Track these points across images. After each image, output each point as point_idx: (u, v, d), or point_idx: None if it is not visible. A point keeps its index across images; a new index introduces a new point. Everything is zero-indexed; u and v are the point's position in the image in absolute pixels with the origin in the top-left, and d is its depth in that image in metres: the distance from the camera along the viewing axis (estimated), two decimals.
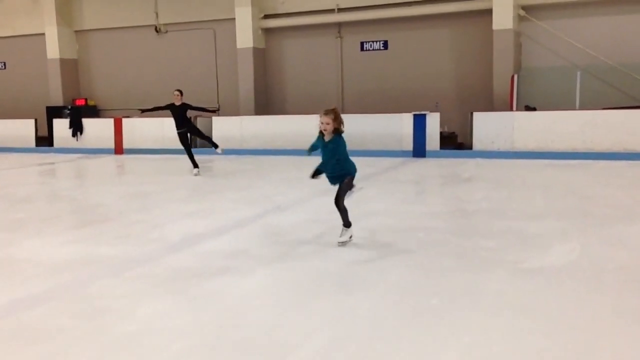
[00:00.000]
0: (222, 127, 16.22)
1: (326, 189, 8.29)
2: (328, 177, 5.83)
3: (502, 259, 5.12)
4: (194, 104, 11.51)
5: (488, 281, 4.53)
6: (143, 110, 11.58)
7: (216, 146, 11.60)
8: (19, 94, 20.57)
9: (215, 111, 12.82)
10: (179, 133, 11.40)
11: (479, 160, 13.21)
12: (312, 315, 3.84)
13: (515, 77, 14.42)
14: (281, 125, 15.81)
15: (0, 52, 20.99)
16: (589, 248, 5.44)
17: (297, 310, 3.96)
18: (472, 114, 14.15)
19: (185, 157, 11.58)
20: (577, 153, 12.96)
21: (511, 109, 14.26)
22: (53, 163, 15.11)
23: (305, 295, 4.29)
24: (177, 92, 11.29)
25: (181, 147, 11.54)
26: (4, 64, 21.12)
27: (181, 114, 11.31)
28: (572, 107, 13.46)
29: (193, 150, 11.68)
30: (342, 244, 5.64)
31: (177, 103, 11.26)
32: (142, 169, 13.99)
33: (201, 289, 4.46)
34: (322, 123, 5.63)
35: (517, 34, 15.12)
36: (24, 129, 18.33)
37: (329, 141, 5.64)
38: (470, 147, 14.20)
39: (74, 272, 4.99)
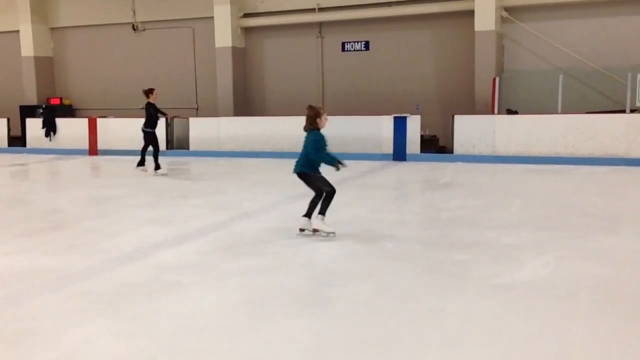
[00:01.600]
0: (199, 128, 15.84)
1: (296, 195, 8.04)
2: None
3: (472, 274, 4.81)
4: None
5: (454, 300, 4.20)
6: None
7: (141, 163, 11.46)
8: None
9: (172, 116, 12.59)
10: (153, 132, 11.19)
11: (460, 165, 12.94)
12: (255, 341, 3.49)
13: (497, 79, 14.17)
14: (259, 126, 15.46)
15: None
16: (564, 262, 5.14)
17: (239, 335, 3.60)
18: (453, 117, 13.87)
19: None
20: (559, 158, 12.73)
21: (493, 112, 14.01)
22: (23, 164, 14.64)
23: (253, 316, 3.93)
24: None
25: (139, 148, 11.37)
26: None
27: (156, 114, 11.23)
28: (554, 111, 13.22)
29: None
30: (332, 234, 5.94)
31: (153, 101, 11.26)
32: (113, 170, 13.59)
33: (142, 308, 4.09)
34: (327, 119, 6.13)
35: (500, 36, 14.87)
36: None
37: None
38: (452, 151, 13.92)
39: (9, 287, 4.60)
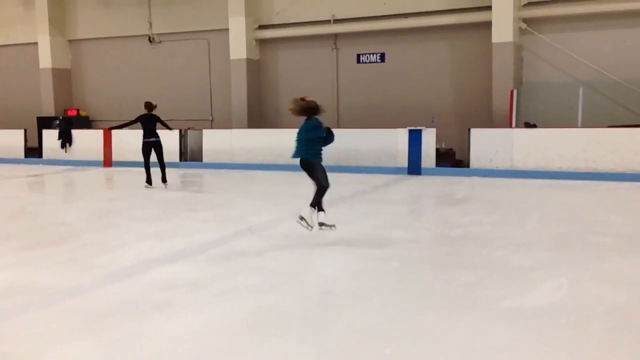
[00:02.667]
0: (212, 140, 15.74)
1: (299, 211, 7.83)
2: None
3: (479, 297, 4.54)
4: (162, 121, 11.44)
5: (457, 326, 3.94)
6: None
7: (163, 180, 11.31)
8: (11, 103, 20.22)
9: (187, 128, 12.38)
10: (146, 142, 11.19)
11: (476, 179, 12.62)
12: None
13: (515, 92, 13.85)
14: (272, 138, 15.30)
15: None
16: (578, 285, 4.84)
17: None
18: (469, 130, 13.58)
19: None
20: (579, 173, 12.34)
21: (510, 126, 13.68)
22: (37, 175, 14.67)
23: (243, 340, 3.72)
24: (149, 102, 11.34)
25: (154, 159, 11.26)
26: None
27: (153, 124, 11.21)
28: (574, 125, 12.86)
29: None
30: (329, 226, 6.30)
31: (150, 112, 11.22)
32: (124, 182, 13.54)
33: (128, 329, 3.91)
34: None
35: (518, 48, 14.57)
36: (14, 140, 17.95)
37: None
38: (468, 165, 13.62)
39: None
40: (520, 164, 13.05)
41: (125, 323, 4.02)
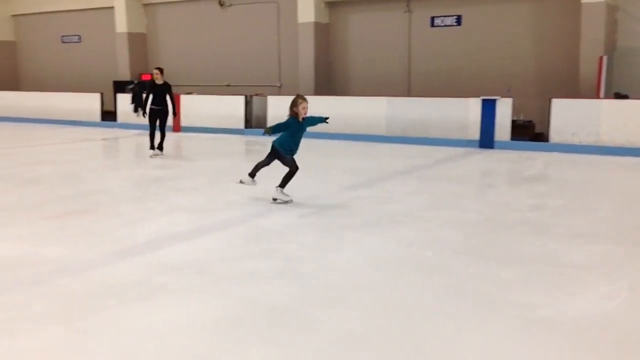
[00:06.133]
0: (277, 107, 15.31)
1: (349, 185, 7.76)
2: (295, 151, 6.84)
3: (511, 300, 3.87)
4: (172, 93, 11.06)
5: (475, 334, 3.34)
6: (142, 111, 11.02)
7: (159, 148, 10.93)
8: (90, 67, 20.72)
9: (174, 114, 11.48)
10: (152, 109, 10.81)
11: (555, 155, 11.50)
12: None
13: (605, 58, 12.40)
14: (337, 106, 14.63)
15: (76, 26, 21.20)
16: None
17: None
18: (550, 100, 12.36)
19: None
20: None
21: (598, 96, 12.31)
22: (106, 139, 14.96)
23: (217, 341, 3.29)
24: (156, 71, 10.90)
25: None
26: (80, 37, 21.38)
27: (161, 94, 10.80)
28: None
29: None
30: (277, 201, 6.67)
31: (159, 82, 10.82)
32: (185, 149, 13.50)
33: (111, 315, 3.63)
34: (305, 108, 6.74)
35: (612, 8, 12.99)
36: (91, 103, 18.42)
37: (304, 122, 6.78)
38: (547, 139, 12.45)
39: None
40: (607, 140, 11.73)
41: (111, 308, 3.72)
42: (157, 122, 10.87)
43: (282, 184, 6.73)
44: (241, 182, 6.94)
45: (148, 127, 11.06)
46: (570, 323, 3.53)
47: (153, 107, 10.81)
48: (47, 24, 21.83)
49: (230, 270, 4.49)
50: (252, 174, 6.91)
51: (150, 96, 10.86)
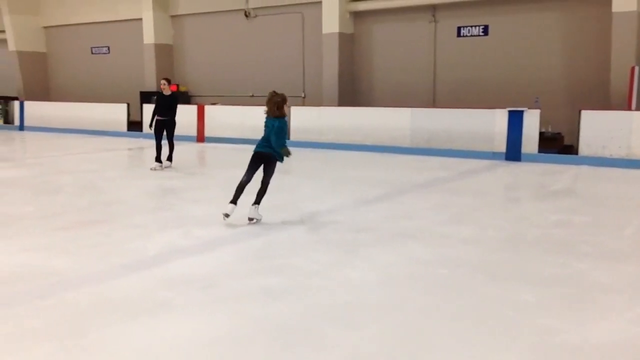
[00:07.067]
0: (301, 117, 15.26)
1: (368, 199, 7.60)
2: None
3: (531, 324, 3.65)
4: (177, 105, 10.85)
5: None
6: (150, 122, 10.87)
7: (168, 159, 10.74)
8: (120, 78, 20.97)
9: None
10: (157, 120, 10.67)
11: (584, 169, 11.13)
12: None
13: (637, 69, 12.01)
14: (361, 117, 14.54)
15: (105, 37, 21.51)
16: None
17: None
18: (580, 112, 12.01)
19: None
20: None
21: (629, 108, 11.92)
22: (130, 149, 15.05)
23: (227, 358, 3.16)
24: (164, 81, 10.80)
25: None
26: (108, 48, 21.68)
27: (167, 104, 10.66)
28: None
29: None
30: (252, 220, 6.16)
31: (166, 93, 10.72)
32: (207, 160, 13.49)
33: (111, 332, 3.52)
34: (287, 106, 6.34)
35: None
36: (117, 113, 18.61)
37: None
38: (577, 152, 12.08)
39: None
40: (638, 153, 11.34)
41: (109, 326, 3.60)
42: (164, 133, 10.72)
43: (259, 201, 6.23)
44: (226, 216, 6.11)
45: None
46: (595, 350, 3.30)
47: (159, 117, 10.70)
48: (77, 36, 22.22)
49: (238, 286, 4.36)
50: (233, 200, 6.13)
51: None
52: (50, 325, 3.61)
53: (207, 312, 3.86)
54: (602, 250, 5.38)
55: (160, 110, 10.71)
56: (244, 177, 6.26)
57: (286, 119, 6.32)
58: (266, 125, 6.31)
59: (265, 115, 6.35)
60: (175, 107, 10.82)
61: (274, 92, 6.29)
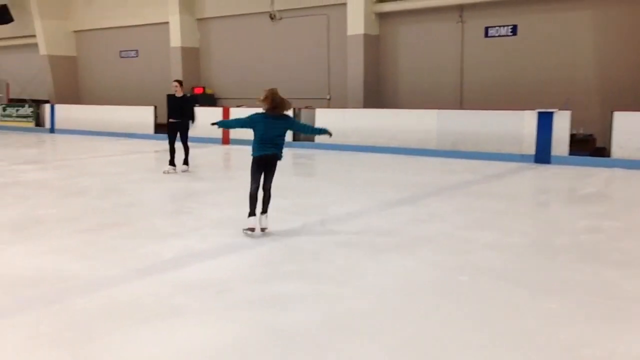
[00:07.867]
0: (325, 119, 15.13)
1: (389, 202, 7.39)
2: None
3: (553, 338, 3.46)
4: (193, 107, 10.79)
5: None
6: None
7: (184, 163, 10.60)
8: (147, 81, 21.18)
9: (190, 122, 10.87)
10: (170, 122, 10.59)
11: (617, 172, 10.80)
12: None
13: None
14: (386, 120, 14.38)
15: (133, 41, 21.77)
16: None
17: None
18: (612, 113, 11.65)
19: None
20: None
21: None
22: (157, 151, 15.12)
23: None
24: (176, 83, 10.66)
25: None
26: (137, 52, 21.92)
27: (179, 106, 10.55)
28: None
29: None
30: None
31: (178, 94, 10.60)
32: (231, 162, 13.48)
33: (120, 339, 3.45)
34: None
35: None
36: (145, 116, 18.78)
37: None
38: (609, 154, 11.73)
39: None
40: None
41: (118, 332, 3.54)
42: (177, 136, 10.59)
43: (267, 208, 5.98)
44: (251, 230, 5.83)
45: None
46: None
47: (171, 120, 10.59)
48: (106, 40, 22.54)
49: (252, 292, 4.27)
50: (252, 212, 5.89)
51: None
52: (59, 331, 3.56)
53: (219, 318, 3.78)
54: (633, 259, 5.14)
55: (172, 113, 10.58)
56: (253, 185, 5.94)
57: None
58: (274, 126, 6.01)
59: (265, 116, 6.03)
60: (189, 109, 10.64)
61: (274, 89, 5.95)
